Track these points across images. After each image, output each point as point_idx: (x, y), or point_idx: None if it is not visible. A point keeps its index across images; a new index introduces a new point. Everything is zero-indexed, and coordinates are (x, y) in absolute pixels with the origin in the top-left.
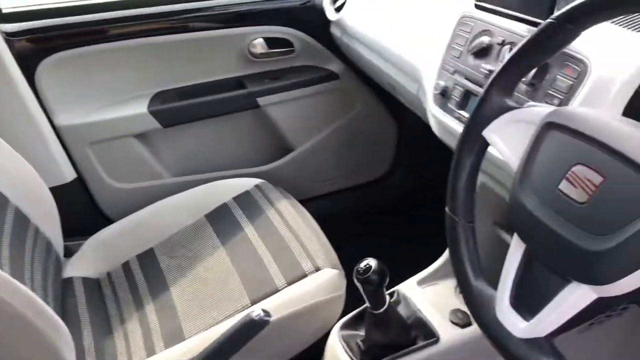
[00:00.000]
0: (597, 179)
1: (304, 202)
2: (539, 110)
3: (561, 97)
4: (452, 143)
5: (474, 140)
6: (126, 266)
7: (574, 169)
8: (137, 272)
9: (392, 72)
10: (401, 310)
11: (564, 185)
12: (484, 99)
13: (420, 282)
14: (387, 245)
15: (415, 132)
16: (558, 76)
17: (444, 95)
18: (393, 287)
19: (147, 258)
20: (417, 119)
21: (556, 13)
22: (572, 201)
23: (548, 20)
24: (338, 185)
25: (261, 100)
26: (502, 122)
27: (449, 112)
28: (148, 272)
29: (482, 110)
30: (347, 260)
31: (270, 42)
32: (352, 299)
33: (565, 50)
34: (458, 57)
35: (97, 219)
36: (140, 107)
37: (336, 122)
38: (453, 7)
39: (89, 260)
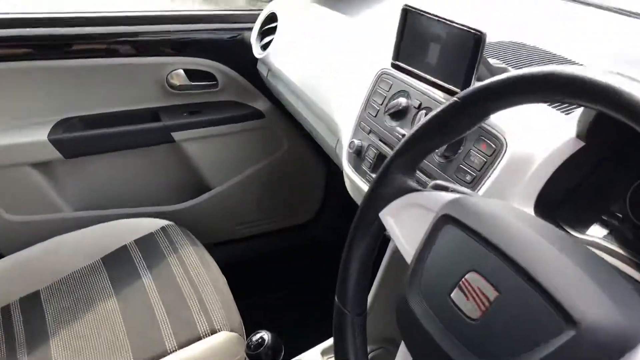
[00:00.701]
0: (492, 293)
1: (219, 246)
2: (440, 197)
3: (474, 174)
4: None
5: (369, 222)
6: (6, 311)
7: (467, 276)
8: (16, 319)
9: (313, 122)
10: None
11: (455, 295)
12: (382, 177)
13: (325, 352)
14: (303, 299)
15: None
16: (472, 151)
17: (358, 155)
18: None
19: (31, 303)
20: None
21: (461, 93)
22: (464, 316)
23: (452, 99)
24: (259, 229)
25: (177, 135)
26: (400, 204)
27: (362, 173)
28: (29, 320)
29: (380, 189)
30: (258, 314)
31: (192, 74)
32: None
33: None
34: (375, 116)
35: None
36: (40, 135)
37: (260, 163)
38: (379, 59)
39: None
